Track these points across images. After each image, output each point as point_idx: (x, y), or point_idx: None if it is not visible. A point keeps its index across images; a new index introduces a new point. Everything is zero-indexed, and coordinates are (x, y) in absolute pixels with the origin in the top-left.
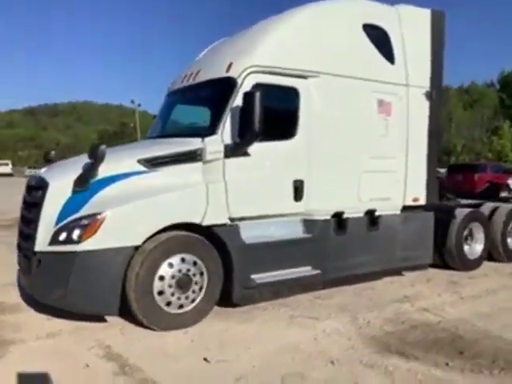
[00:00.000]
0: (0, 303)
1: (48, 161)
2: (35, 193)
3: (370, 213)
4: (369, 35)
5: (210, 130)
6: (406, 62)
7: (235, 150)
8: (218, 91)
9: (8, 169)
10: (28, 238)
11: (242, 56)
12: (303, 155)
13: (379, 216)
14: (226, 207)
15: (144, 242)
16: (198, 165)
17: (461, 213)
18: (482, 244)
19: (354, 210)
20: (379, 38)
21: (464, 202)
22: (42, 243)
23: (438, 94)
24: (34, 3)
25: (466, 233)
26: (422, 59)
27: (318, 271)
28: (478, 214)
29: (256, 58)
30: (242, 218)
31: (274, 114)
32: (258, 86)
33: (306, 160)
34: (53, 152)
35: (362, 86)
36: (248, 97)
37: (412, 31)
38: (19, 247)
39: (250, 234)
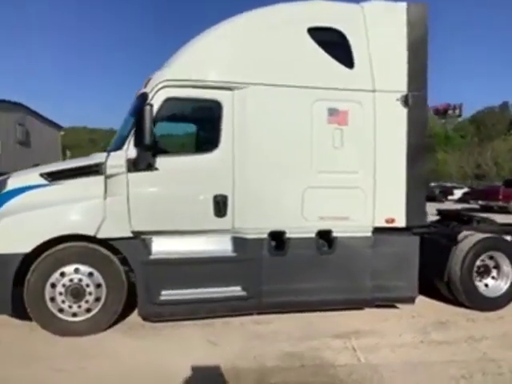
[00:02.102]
0: None
1: None
2: None
3: (323, 233)
4: (316, 39)
5: (120, 144)
6: (373, 65)
7: (136, 164)
8: (136, 106)
9: None
10: None
11: (159, 71)
12: (226, 169)
13: (335, 238)
14: (127, 221)
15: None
16: (100, 178)
17: (469, 239)
18: (507, 279)
19: (299, 230)
20: (332, 41)
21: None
22: None
23: (417, 99)
24: None
25: (479, 264)
26: (395, 60)
27: (247, 293)
28: (499, 242)
29: (169, 72)
30: (151, 233)
31: (190, 128)
32: (168, 101)
33: (229, 174)
34: None
35: (303, 95)
36: (139, 111)
37: (381, 30)
38: None
39: (162, 249)
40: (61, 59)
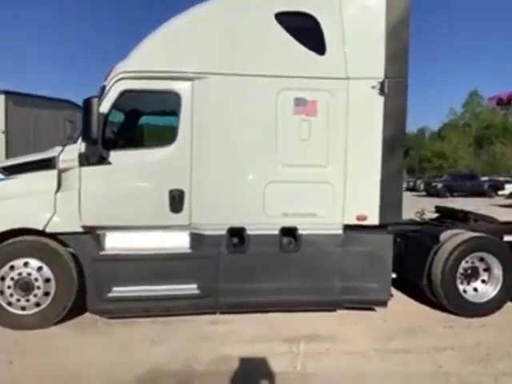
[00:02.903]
0: None
1: None
2: None
3: (288, 230)
4: (285, 25)
5: (77, 138)
6: (347, 50)
7: (87, 158)
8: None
9: None
10: None
11: (119, 63)
12: (183, 163)
13: (301, 235)
14: (77, 216)
15: None
16: (53, 173)
17: (454, 239)
18: (497, 283)
19: (260, 227)
20: (302, 26)
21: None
22: None
23: (395, 86)
24: None
25: (465, 266)
26: (371, 44)
27: (203, 292)
28: (488, 243)
29: (127, 64)
30: (105, 228)
31: (148, 121)
32: (125, 93)
33: (187, 168)
34: None
35: (268, 84)
36: (86, 104)
37: (357, 11)
38: None
39: (116, 244)
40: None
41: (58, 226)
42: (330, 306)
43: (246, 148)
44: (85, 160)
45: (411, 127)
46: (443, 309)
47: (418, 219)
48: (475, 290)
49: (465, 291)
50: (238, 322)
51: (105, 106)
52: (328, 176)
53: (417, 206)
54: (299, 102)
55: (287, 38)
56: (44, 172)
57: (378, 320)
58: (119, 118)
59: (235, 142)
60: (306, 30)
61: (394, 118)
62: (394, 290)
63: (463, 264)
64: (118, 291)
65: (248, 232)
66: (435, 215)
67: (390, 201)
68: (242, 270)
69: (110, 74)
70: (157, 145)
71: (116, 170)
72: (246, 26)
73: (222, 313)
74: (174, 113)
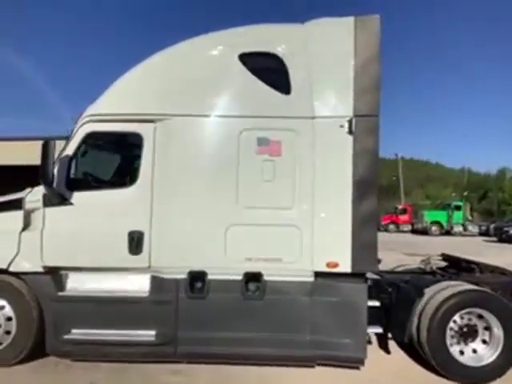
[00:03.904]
0: None
1: None
2: None
3: (253, 276)
4: (249, 65)
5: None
6: (313, 89)
7: (49, 199)
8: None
9: None
10: None
11: (90, 106)
12: (143, 204)
13: (266, 281)
14: (39, 255)
15: None
16: (19, 213)
17: (442, 292)
18: (497, 345)
19: (222, 271)
20: (266, 66)
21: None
22: None
23: (364, 125)
24: None
25: (460, 323)
26: (339, 82)
27: (161, 339)
28: (485, 298)
29: (93, 107)
30: (66, 269)
31: (111, 162)
32: (91, 135)
33: (147, 210)
34: None
35: (229, 125)
36: (42, 147)
37: (325, 49)
38: None
39: (76, 285)
40: None
41: (20, 265)
42: (300, 362)
43: (208, 189)
44: (48, 201)
45: (491, 167)
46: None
47: (425, 268)
48: (474, 351)
49: (462, 352)
50: (202, 374)
51: (71, 148)
52: (294, 219)
53: (483, 254)
54: (262, 142)
55: (251, 78)
56: (12, 212)
57: (358, 381)
58: (84, 159)
59: (196, 183)
60: (270, 70)
61: (365, 157)
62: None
63: (458, 321)
64: (76, 333)
65: (209, 277)
66: (444, 264)
67: (363, 247)
68: (201, 317)
69: (81, 117)
70: (119, 186)
71: (77, 210)
72: (209, 68)
73: (190, 362)
74: (137, 154)
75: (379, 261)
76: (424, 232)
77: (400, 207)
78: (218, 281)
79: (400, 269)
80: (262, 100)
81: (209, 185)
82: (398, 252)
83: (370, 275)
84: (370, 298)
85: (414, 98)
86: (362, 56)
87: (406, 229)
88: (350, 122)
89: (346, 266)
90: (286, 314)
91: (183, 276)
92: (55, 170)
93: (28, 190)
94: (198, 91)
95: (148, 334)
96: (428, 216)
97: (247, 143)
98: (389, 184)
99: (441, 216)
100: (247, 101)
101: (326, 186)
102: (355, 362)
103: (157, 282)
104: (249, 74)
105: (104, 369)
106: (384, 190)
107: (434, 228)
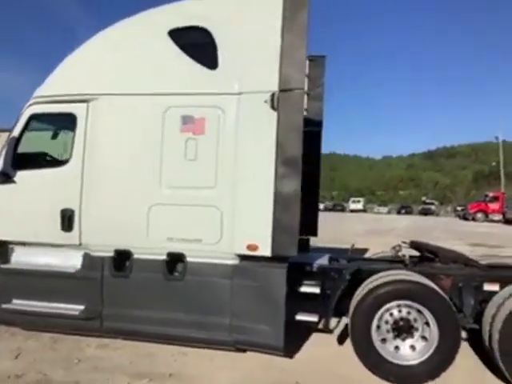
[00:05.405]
0: None
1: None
2: None
3: (177, 257)
4: (178, 41)
5: None
6: (242, 63)
7: None
8: None
9: (360, 205)
10: None
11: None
12: (75, 183)
13: (186, 263)
14: None
15: None
16: None
17: (377, 280)
18: (430, 342)
19: (146, 251)
20: (196, 41)
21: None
22: None
23: (288, 100)
24: None
25: (397, 316)
26: (266, 54)
27: (88, 314)
28: (417, 290)
29: (39, 89)
30: (12, 243)
31: (50, 142)
32: (34, 117)
33: (77, 188)
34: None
35: (155, 103)
36: None
37: (253, 20)
38: None
39: (19, 259)
40: None
41: None
42: (219, 346)
43: (133, 169)
44: None
45: None
46: None
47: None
48: (412, 348)
49: (397, 348)
50: (124, 348)
51: (17, 129)
52: (215, 199)
53: None
54: (186, 120)
55: (179, 54)
56: None
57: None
58: (29, 140)
59: (122, 163)
60: (199, 45)
61: (288, 134)
62: None
63: (385, 315)
64: (16, 304)
65: (134, 256)
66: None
67: (283, 230)
68: (124, 295)
69: (30, 100)
70: (56, 165)
71: (20, 188)
72: (139, 47)
73: (125, 338)
74: (70, 134)
75: (352, 245)
76: None
77: (491, 195)
78: (142, 260)
79: (375, 256)
80: (189, 76)
81: (133, 164)
82: (464, 242)
83: (317, 262)
84: (312, 285)
85: None
86: (288, 30)
87: (496, 218)
88: (272, 96)
89: (265, 250)
90: (206, 297)
91: (109, 254)
92: (3, 151)
93: None
94: (126, 70)
95: (77, 309)
96: None
97: (172, 121)
98: (490, 171)
99: None
100: (174, 78)
101: (249, 166)
102: (273, 350)
103: (87, 259)
104: (178, 50)
105: (42, 338)
106: (484, 177)
107: None
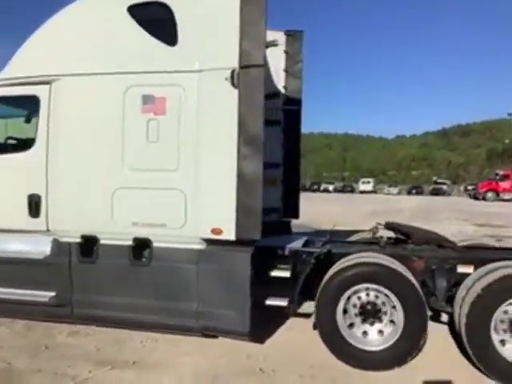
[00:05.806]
0: None
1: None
2: None
3: (143, 242)
4: (138, 18)
5: None
6: (202, 39)
7: None
8: None
9: (370, 186)
10: None
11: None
12: (39, 168)
13: (151, 248)
14: None
15: None
16: None
17: (344, 263)
18: (397, 326)
19: (112, 236)
20: (155, 17)
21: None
22: None
23: (248, 77)
24: None
25: (365, 300)
26: (225, 32)
27: (58, 300)
28: (381, 273)
29: (2, 72)
30: None
31: (13, 127)
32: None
33: (43, 173)
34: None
35: (115, 82)
36: None
37: None
38: None
39: None
40: None
41: None
42: (186, 332)
43: (95, 152)
44: None
45: None
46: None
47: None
48: (381, 332)
49: (365, 333)
50: (94, 335)
51: None
52: (178, 182)
53: None
54: (147, 100)
55: (139, 31)
56: None
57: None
58: None
59: (85, 146)
60: (158, 21)
61: (249, 113)
62: None
63: (352, 297)
64: None
65: (101, 242)
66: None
67: (246, 212)
68: (92, 281)
69: None
70: (21, 149)
71: None
72: (98, 25)
73: (96, 325)
74: (34, 117)
75: (333, 226)
76: None
77: (501, 173)
78: (108, 246)
79: (354, 239)
80: (149, 54)
81: (95, 147)
82: (469, 223)
83: (290, 245)
84: (283, 269)
85: None
86: (247, 3)
87: (507, 197)
88: (232, 73)
89: (229, 234)
90: (172, 283)
91: (75, 240)
92: None
93: None
94: (86, 49)
95: (47, 295)
96: None
97: (132, 102)
98: (504, 148)
99: None
100: (133, 55)
101: (211, 146)
102: (239, 335)
103: (55, 246)
104: (137, 26)
105: (16, 325)
106: (497, 155)
107: None
